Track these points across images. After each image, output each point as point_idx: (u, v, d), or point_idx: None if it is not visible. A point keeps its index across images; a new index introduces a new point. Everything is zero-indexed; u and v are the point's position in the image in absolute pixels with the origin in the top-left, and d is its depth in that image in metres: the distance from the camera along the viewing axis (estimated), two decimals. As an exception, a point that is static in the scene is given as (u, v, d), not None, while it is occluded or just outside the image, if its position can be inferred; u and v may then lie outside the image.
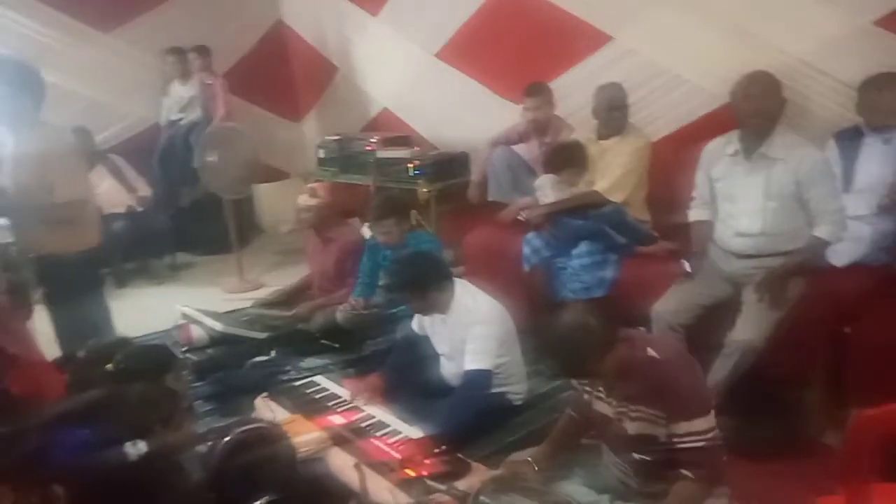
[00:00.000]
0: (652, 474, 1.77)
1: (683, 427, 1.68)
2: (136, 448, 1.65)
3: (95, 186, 3.82)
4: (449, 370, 2.58)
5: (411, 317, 2.76)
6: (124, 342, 2.39)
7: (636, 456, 1.78)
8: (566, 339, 1.76)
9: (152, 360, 2.17)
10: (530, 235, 3.18)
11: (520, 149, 3.65)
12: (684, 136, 3.20)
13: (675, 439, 1.70)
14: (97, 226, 2.88)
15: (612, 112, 3.07)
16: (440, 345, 2.62)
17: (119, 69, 4.83)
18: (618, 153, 3.08)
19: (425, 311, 2.58)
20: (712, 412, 1.73)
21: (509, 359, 2.49)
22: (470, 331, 2.42)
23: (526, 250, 3.16)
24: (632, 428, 1.77)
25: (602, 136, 3.14)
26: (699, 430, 1.68)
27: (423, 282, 2.49)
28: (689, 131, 3.21)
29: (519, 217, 3.33)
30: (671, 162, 3.01)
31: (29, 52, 3.97)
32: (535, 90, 3.45)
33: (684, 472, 1.68)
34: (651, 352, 1.75)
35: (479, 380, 2.37)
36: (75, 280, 2.70)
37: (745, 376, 2.30)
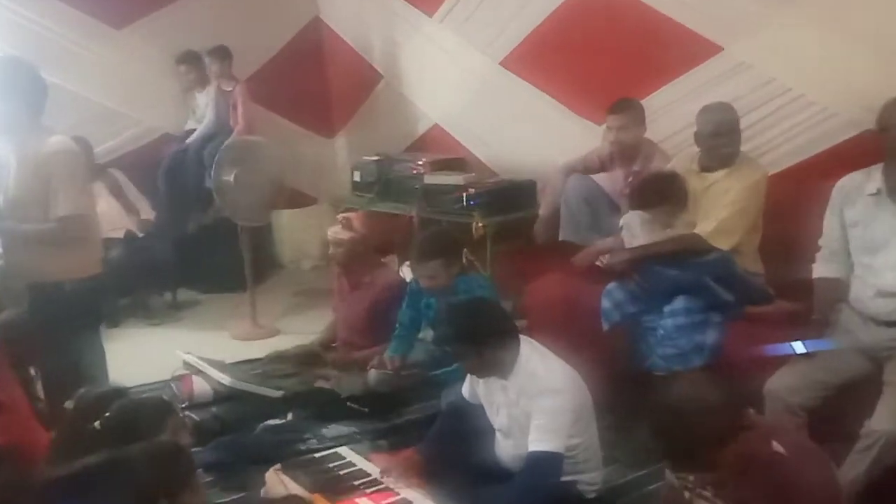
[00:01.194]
0: None
1: None
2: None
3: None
4: (506, 450, 2.57)
5: (461, 380, 2.77)
6: (120, 393, 2.41)
7: None
8: (676, 419, 1.72)
9: (148, 416, 2.18)
10: (612, 286, 3.17)
11: (600, 178, 3.68)
12: (810, 170, 3.20)
13: None
14: (98, 250, 2.98)
15: (719, 138, 3.06)
16: (497, 417, 2.60)
17: (131, 70, 5.07)
18: (726, 189, 3.06)
19: (481, 372, 2.57)
20: None
21: (583, 440, 2.47)
22: (537, 402, 2.40)
23: (605, 304, 3.15)
24: None
25: (706, 166, 3.14)
26: None
27: (481, 335, 2.47)
28: (817, 164, 3.21)
29: (598, 263, 3.34)
30: (792, 201, 3.02)
31: (27, 47, 4.23)
32: (622, 107, 3.50)
33: None
34: (776, 446, 1.71)
35: (546, 464, 2.34)
36: (72, 314, 2.77)
37: (887, 476, 2.24)
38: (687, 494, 1.88)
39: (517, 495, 2.32)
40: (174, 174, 5.08)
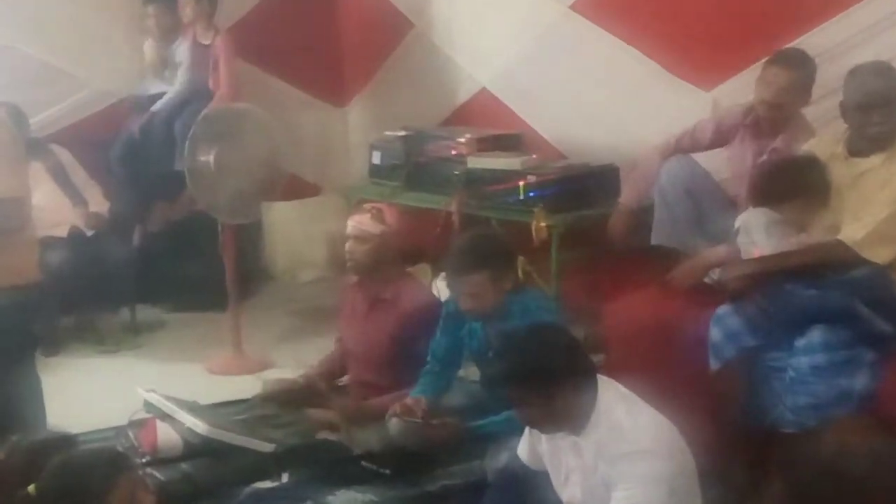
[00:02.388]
0: None
1: None
2: None
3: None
4: None
5: (515, 435, 2.76)
6: (64, 443, 2.42)
7: None
8: (833, 490, 1.71)
9: (98, 476, 2.16)
10: (724, 311, 3.15)
11: (711, 162, 3.68)
12: None
13: None
14: (34, 251, 3.06)
15: (872, 112, 3.04)
16: (566, 487, 2.58)
17: (79, 16, 5.13)
18: (884, 180, 3.05)
19: (545, 426, 2.53)
20: None
21: None
22: (622, 467, 2.37)
23: (715, 335, 3.13)
24: None
25: (856, 150, 3.13)
26: None
27: (547, 375, 2.43)
28: None
29: (706, 279, 3.35)
30: None
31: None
32: (793, 59, 3.48)
33: None
34: None
35: None
36: None
37: None
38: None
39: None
40: (135, 153, 5.15)
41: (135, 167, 5.16)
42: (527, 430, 2.66)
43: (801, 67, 3.51)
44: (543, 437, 2.61)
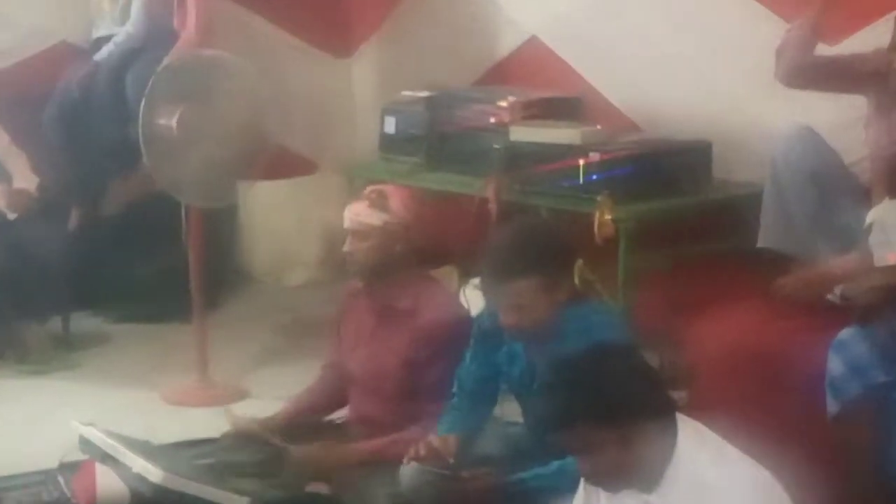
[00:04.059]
0: None
1: None
2: None
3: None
4: None
5: (569, 491, 2.70)
6: None
7: None
8: None
9: None
10: (847, 336, 3.15)
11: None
12: None
13: None
14: None
15: None
16: None
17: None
18: None
19: (608, 480, 2.49)
20: None
21: None
22: None
23: (836, 367, 3.14)
24: None
25: None
26: None
27: (614, 415, 2.40)
28: None
29: (828, 295, 3.40)
30: None
31: None
32: None
33: None
34: None
35: None
36: None
37: None
38: None
39: None
40: (74, 115, 5.21)
41: (74, 132, 5.22)
42: (581, 486, 2.65)
43: None
44: (603, 495, 2.59)
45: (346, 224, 3.62)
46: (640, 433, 2.39)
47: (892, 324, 3.07)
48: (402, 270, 3.62)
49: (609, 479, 2.48)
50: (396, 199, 3.65)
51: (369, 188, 3.79)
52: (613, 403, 2.40)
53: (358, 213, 3.57)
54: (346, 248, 3.61)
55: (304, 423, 3.83)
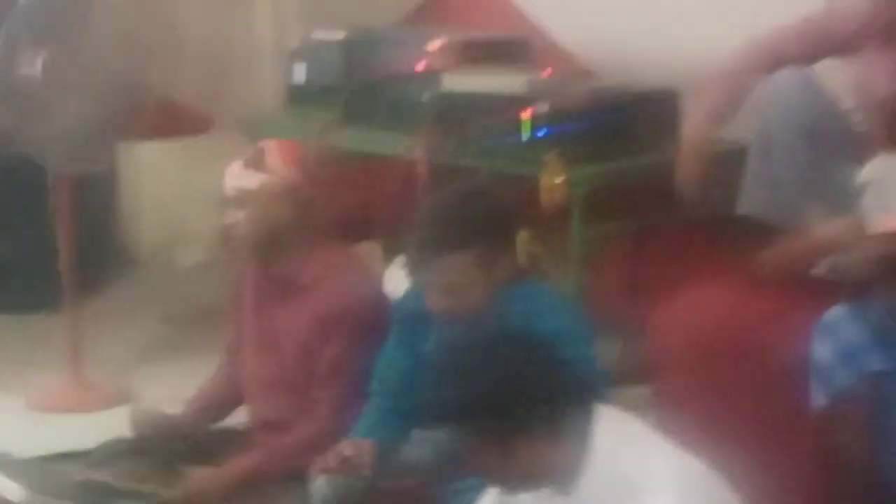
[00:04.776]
0: None
1: None
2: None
3: None
4: None
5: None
6: None
7: None
8: None
9: None
10: (837, 316, 3.15)
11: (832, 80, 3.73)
12: None
13: None
14: None
15: None
16: None
17: None
18: None
19: (511, 483, 2.60)
20: None
21: None
22: None
23: (822, 352, 3.13)
24: None
25: None
26: None
27: (509, 407, 2.49)
28: None
29: (815, 269, 3.45)
30: None
31: None
32: None
33: None
34: None
35: None
36: None
37: None
38: None
39: None
40: None
41: None
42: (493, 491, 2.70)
43: None
44: (518, 498, 2.65)
45: (227, 186, 3.62)
46: (546, 425, 2.46)
47: (890, 301, 3.05)
48: (301, 244, 3.60)
49: (512, 481, 2.56)
50: (278, 155, 3.66)
51: (251, 148, 3.81)
52: (510, 392, 2.46)
53: (233, 176, 3.59)
54: (224, 219, 3.62)
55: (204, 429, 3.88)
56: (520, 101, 4.17)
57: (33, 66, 4.31)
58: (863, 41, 3.75)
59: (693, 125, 3.96)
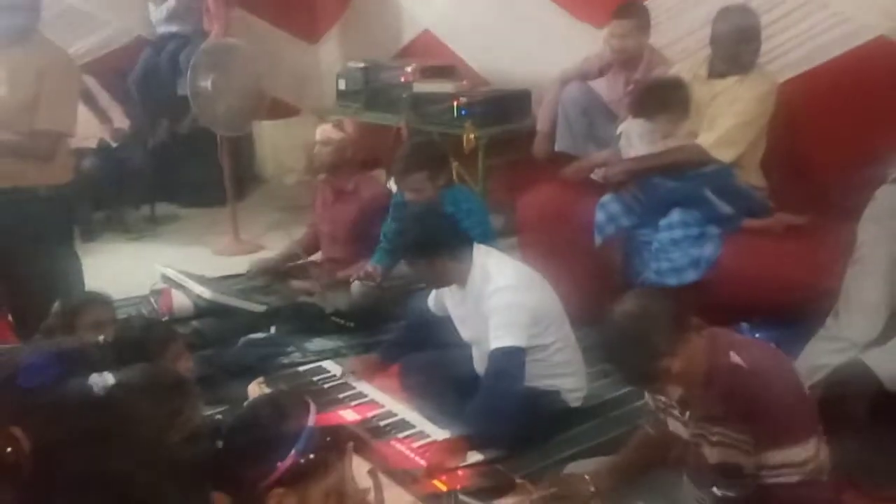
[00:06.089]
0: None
1: (775, 457, 2.26)
2: (103, 380, 2.13)
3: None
4: (480, 361, 3.47)
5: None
6: (103, 300, 3.28)
7: (717, 491, 2.38)
8: (624, 332, 2.34)
9: (153, 340, 2.92)
10: (607, 199, 4.25)
11: (599, 86, 4.90)
12: (819, 78, 4.36)
13: (765, 472, 2.27)
14: (69, 157, 4.06)
15: (740, 45, 4.12)
16: (464, 330, 3.51)
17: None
18: (734, 98, 4.06)
19: (436, 283, 3.55)
20: (814, 438, 2.31)
21: (554, 340, 3.35)
22: (491, 302, 3.24)
23: (600, 217, 4.24)
24: (712, 455, 2.36)
25: (717, 72, 4.20)
26: (796, 461, 2.26)
27: (429, 246, 3.37)
28: (827, 71, 4.35)
29: (593, 175, 4.44)
30: (798, 112, 4.11)
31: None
32: (628, 11, 4.60)
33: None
34: (735, 357, 2.30)
35: (505, 359, 3.14)
36: (41, 222, 3.84)
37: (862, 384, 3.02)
38: (661, 415, 2.62)
39: (486, 397, 3.18)
40: (149, 79, 7.00)
41: (148, 91, 6.95)
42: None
43: (635, 15, 4.69)
44: (447, 293, 3.55)
45: (317, 137, 4.91)
46: (447, 255, 3.42)
47: (632, 191, 4.27)
48: (349, 167, 4.98)
49: (436, 282, 3.58)
50: (349, 124, 5.33)
51: (334, 118, 5.39)
52: (430, 239, 3.45)
53: (325, 131, 4.91)
54: (315, 151, 4.86)
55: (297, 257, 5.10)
56: (452, 97, 5.69)
57: (206, 81, 5.90)
58: (606, 69, 5.08)
59: (542, 123, 5.24)
